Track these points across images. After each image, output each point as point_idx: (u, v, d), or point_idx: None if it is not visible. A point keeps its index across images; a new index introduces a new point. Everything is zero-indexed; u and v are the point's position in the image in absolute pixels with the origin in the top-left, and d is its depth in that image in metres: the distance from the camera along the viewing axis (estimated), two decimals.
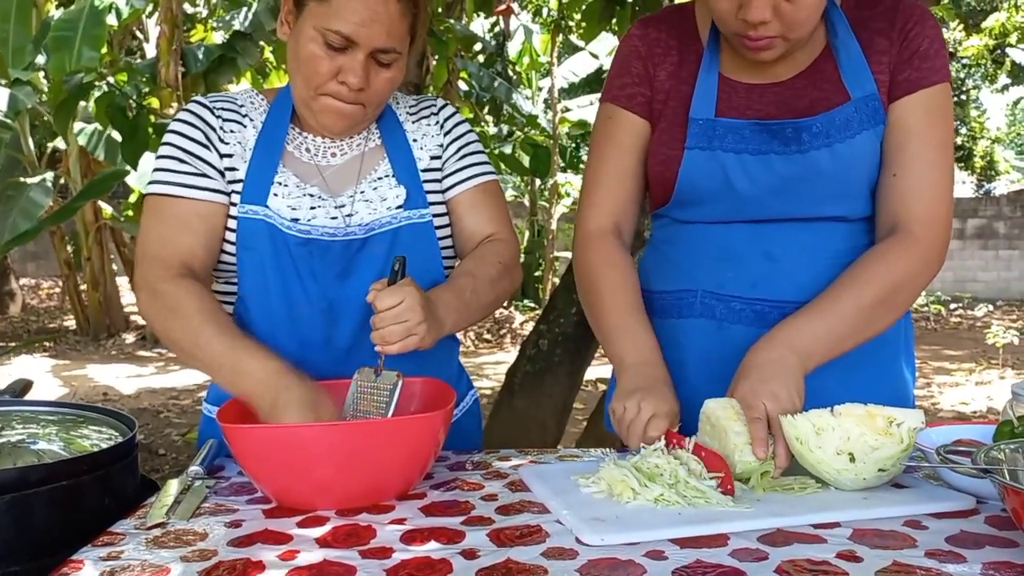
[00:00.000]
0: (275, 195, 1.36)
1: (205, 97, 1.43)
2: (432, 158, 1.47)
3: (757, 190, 1.36)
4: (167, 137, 1.39)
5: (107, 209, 9.58)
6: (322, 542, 1.00)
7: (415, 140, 1.47)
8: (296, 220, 1.35)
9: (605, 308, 1.42)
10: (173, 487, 1.17)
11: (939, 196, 1.33)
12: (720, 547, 0.96)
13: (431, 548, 0.97)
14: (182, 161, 1.36)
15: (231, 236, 1.36)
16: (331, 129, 1.37)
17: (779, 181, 1.35)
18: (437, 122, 1.49)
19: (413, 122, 1.48)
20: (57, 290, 12.73)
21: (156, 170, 1.37)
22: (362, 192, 1.40)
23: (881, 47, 1.35)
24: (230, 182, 1.37)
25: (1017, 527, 0.94)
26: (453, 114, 1.51)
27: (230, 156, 1.38)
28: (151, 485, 1.26)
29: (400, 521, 1.07)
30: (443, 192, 1.47)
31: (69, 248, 10.15)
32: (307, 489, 1.10)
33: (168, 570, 0.92)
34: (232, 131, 1.39)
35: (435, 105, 1.52)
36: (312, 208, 1.37)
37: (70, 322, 10.39)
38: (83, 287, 9.86)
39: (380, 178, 1.42)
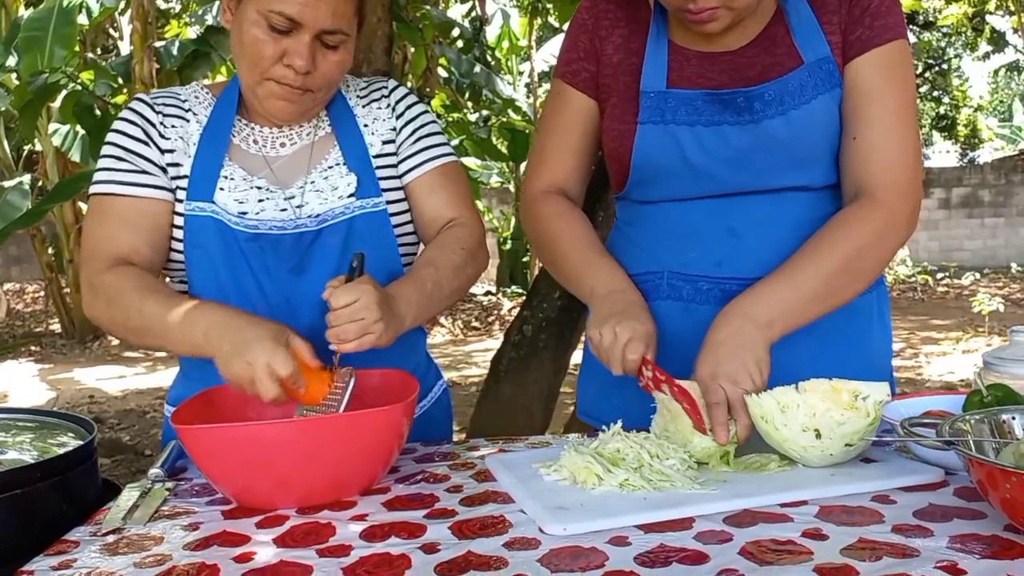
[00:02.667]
0: (221, 189, 1.33)
1: (147, 94, 1.40)
2: (384, 143, 1.43)
3: (713, 162, 1.34)
4: (108, 137, 1.37)
5: (86, 210, 9.50)
6: (280, 542, 0.98)
7: (366, 125, 1.43)
8: (244, 214, 1.32)
9: (566, 255, 1.42)
10: (132, 491, 1.15)
11: (902, 158, 1.30)
12: (684, 530, 0.95)
13: (391, 544, 0.95)
14: (121, 159, 1.34)
15: (179, 234, 1.33)
16: (279, 116, 1.34)
17: (734, 152, 1.33)
18: (388, 105, 1.45)
19: (363, 106, 1.44)
20: (42, 294, 12.64)
21: (97, 171, 1.35)
22: (312, 182, 1.37)
23: (831, 7, 1.32)
24: (173, 178, 1.34)
25: (984, 498, 0.92)
26: (405, 96, 1.47)
27: (172, 152, 1.35)
28: (114, 489, 1.24)
29: (361, 517, 1.05)
30: (400, 177, 1.43)
31: (50, 251, 10.07)
32: (266, 488, 1.08)
33: None
34: (174, 126, 1.36)
35: (386, 87, 1.47)
36: (260, 201, 1.34)
37: (56, 325, 10.32)
38: (67, 290, 9.79)
39: (331, 167, 1.39)
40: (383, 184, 1.40)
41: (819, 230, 1.29)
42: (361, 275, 1.20)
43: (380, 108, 1.45)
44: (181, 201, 1.33)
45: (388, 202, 1.39)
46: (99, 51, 10.81)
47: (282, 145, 1.39)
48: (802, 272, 1.25)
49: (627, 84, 1.39)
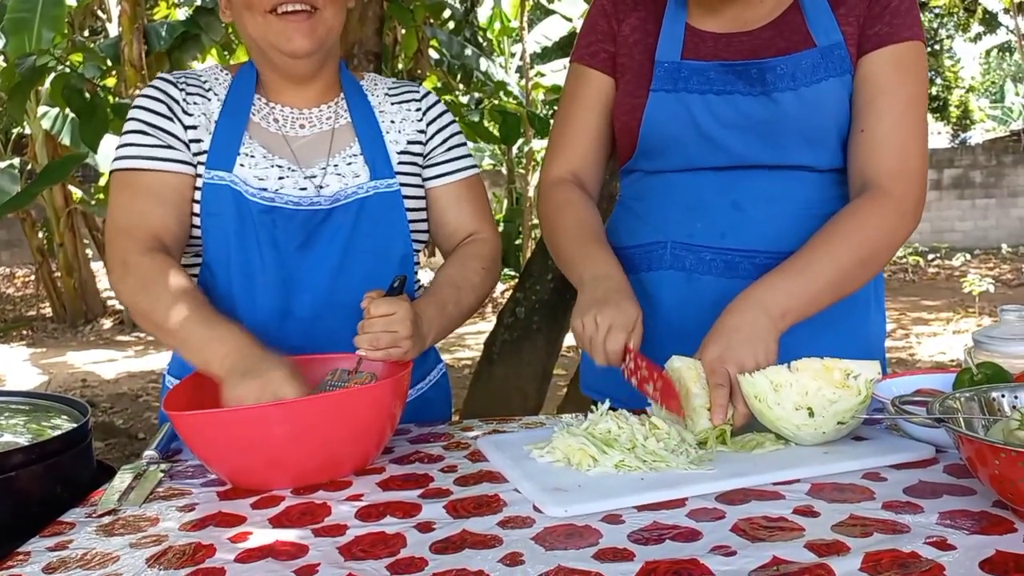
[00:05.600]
0: (242, 166, 1.34)
1: (169, 74, 1.42)
2: (410, 142, 1.46)
3: (723, 131, 1.36)
4: (131, 113, 1.37)
5: (77, 193, 9.45)
6: (275, 522, 0.98)
7: (393, 121, 1.46)
8: (263, 189, 1.34)
9: (564, 240, 1.43)
10: (127, 473, 1.15)
11: (910, 150, 1.31)
12: (677, 508, 0.95)
13: (386, 523, 0.96)
14: (146, 134, 1.34)
15: (196, 207, 1.35)
16: (299, 48, 1.32)
17: (745, 122, 1.35)
18: (418, 108, 1.49)
19: (392, 103, 1.48)
20: (32, 278, 12.59)
21: (121, 146, 1.36)
22: (335, 165, 1.39)
23: (851, 2, 1.35)
24: (196, 154, 1.35)
25: (973, 475, 0.93)
26: (436, 103, 1.52)
27: (195, 128, 1.36)
28: (109, 471, 1.24)
29: (356, 497, 1.05)
30: (424, 179, 1.47)
31: (41, 235, 10.02)
32: (260, 470, 1.08)
33: (116, 558, 0.90)
34: (196, 103, 1.38)
35: (417, 92, 1.51)
36: (280, 179, 1.36)
37: (47, 310, 10.28)
38: (58, 274, 9.75)
39: (354, 155, 1.41)
40: (402, 179, 1.42)
41: (831, 221, 1.30)
42: (400, 295, 1.24)
43: (410, 110, 1.48)
44: (201, 176, 1.34)
45: (403, 192, 1.41)
46: (87, 33, 10.73)
47: (301, 126, 1.41)
48: (817, 263, 1.26)
49: (641, 62, 1.42)
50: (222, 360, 1.16)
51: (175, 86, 1.38)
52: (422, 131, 1.48)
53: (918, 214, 1.33)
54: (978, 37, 15.89)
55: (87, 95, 3.37)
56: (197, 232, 1.35)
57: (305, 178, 1.37)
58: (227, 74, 1.43)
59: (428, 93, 1.52)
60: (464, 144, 1.53)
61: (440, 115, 1.51)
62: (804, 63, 1.33)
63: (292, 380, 1.12)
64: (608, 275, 1.31)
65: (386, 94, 1.49)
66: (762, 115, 1.34)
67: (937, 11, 15.22)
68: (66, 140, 8.00)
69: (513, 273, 11.09)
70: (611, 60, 1.46)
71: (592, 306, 1.25)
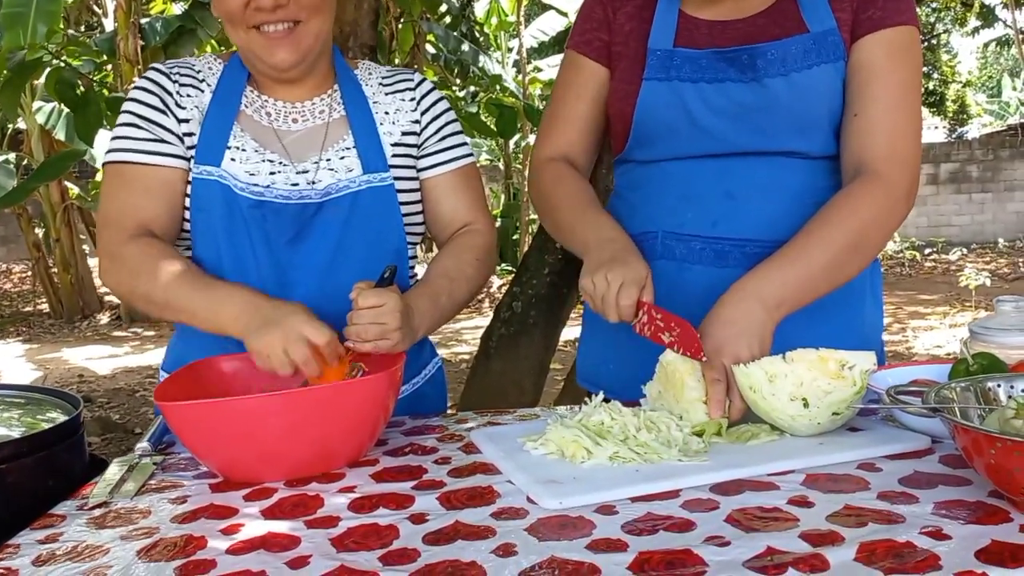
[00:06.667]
0: (233, 160, 1.33)
1: (163, 63, 1.40)
2: (404, 133, 1.44)
3: (715, 119, 1.35)
4: (125, 105, 1.37)
5: (74, 189, 9.42)
6: (268, 514, 0.98)
7: (387, 112, 1.44)
8: (254, 183, 1.33)
9: (563, 213, 1.42)
10: (119, 465, 1.14)
11: (902, 134, 1.30)
12: (671, 499, 0.95)
13: (379, 515, 0.95)
14: (139, 127, 1.34)
15: (187, 202, 1.34)
16: (283, 61, 1.32)
17: (737, 109, 1.34)
18: (413, 98, 1.47)
19: (387, 93, 1.46)
20: (29, 274, 12.56)
21: (113, 138, 1.35)
22: (328, 160, 1.38)
23: None
24: (189, 147, 1.34)
25: (969, 465, 0.93)
26: (431, 91, 1.49)
27: (188, 121, 1.35)
28: (101, 465, 1.23)
29: (350, 489, 1.04)
30: (419, 169, 1.46)
31: (38, 231, 9.99)
32: (252, 462, 1.08)
33: (107, 550, 0.89)
34: (190, 95, 1.37)
35: (411, 80, 1.49)
36: (271, 174, 1.34)
37: (44, 305, 10.26)
38: (54, 269, 9.72)
39: (347, 148, 1.39)
40: (396, 172, 1.41)
41: (824, 208, 1.29)
42: (391, 285, 1.23)
43: (404, 100, 1.47)
44: (192, 170, 1.34)
45: (398, 185, 1.40)
46: (83, 28, 10.69)
47: (294, 121, 1.40)
48: (811, 251, 1.25)
49: (636, 50, 1.42)
50: (236, 319, 1.18)
51: (169, 78, 1.37)
52: (416, 121, 1.46)
53: (911, 199, 1.32)
54: (975, 31, 15.89)
55: (81, 89, 3.35)
56: (187, 227, 1.35)
57: (297, 173, 1.35)
58: (221, 63, 1.42)
59: (423, 80, 1.50)
60: (459, 132, 1.51)
61: (434, 103, 1.48)
62: (795, 49, 1.32)
63: (312, 321, 1.14)
64: (613, 238, 1.32)
65: (380, 83, 1.47)
66: (753, 102, 1.33)
67: (934, 5, 15.21)
68: (61, 135, 7.98)
69: (510, 268, 11.08)
70: (606, 49, 1.46)
71: (602, 266, 1.25)
